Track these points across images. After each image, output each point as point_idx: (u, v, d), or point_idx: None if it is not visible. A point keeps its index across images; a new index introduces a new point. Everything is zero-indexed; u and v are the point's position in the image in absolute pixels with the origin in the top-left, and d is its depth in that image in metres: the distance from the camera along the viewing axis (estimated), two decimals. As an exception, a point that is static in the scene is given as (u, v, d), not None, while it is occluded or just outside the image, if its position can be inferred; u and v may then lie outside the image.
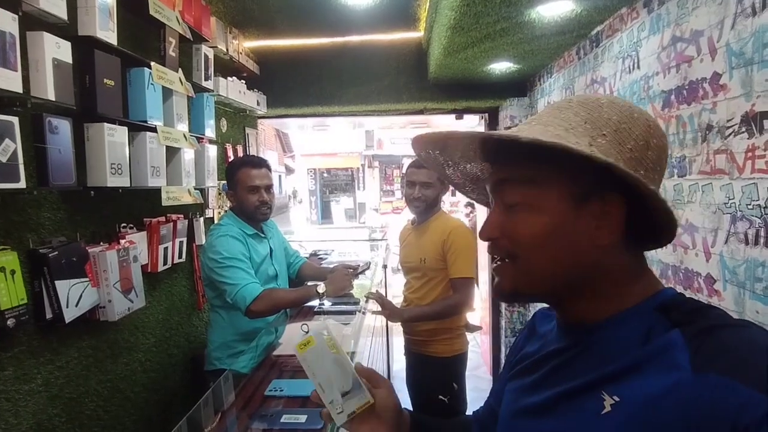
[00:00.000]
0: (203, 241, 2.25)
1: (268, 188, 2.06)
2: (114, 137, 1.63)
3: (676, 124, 1.50)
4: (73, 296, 1.50)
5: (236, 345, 2.02)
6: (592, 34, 2.21)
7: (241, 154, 3.06)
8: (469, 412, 1.05)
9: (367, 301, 2.20)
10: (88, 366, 1.68)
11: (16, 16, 1.23)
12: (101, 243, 1.70)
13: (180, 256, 2.20)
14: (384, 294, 2.71)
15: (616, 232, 0.55)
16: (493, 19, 1.95)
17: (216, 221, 2.49)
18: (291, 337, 2.13)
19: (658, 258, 1.62)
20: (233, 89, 2.70)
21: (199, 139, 2.29)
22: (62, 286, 1.45)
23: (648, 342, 0.51)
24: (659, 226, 0.55)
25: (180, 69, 2.06)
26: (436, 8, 2.26)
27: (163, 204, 1.92)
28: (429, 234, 2.21)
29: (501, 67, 2.83)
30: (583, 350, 0.58)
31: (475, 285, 2.34)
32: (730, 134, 1.25)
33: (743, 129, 1.20)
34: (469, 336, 2.44)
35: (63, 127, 1.45)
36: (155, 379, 2.09)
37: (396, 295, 3.18)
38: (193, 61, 2.27)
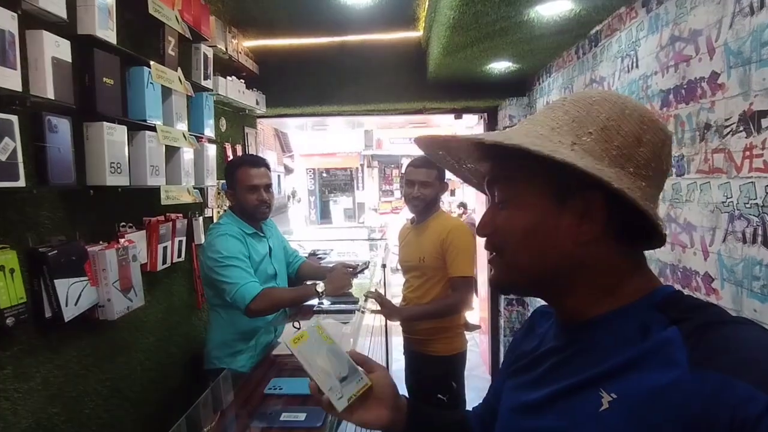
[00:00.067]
0: (202, 241, 2.25)
1: (268, 187, 2.06)
2: (113, 136, 1.63)
3: (674, 124, 1.50)
4: (72, 295, 1.50)
5: (235, 344, 2.02)
6: (591, 33, 2.21)
7: (240, 153, 3.06)
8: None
9: (366, 300, 2.20)
10: (87, 365, 1.68)
11: (16, 15, 1.23)
12: (100, 242, 1.70)
13: (179, 256, 2.20)
14: (383, 293, 2.71)
15: (598, 229, 0.55)
16: (492, 18, 1.95)
17: (215, 220, 2.49)
18: (290, 336, 2.13)
19: (656, 257, 1.62)
20: (232, 88, 2.71)
21: (199, 139, 2.29)
22: (61, 285, 1.45)
23: (646, 339, 0.51)
24: (649, 224, 0.54)
25: (179, 68, 2.06)
26: (436, 7, 2.26)
27: (162, 203, 1.92)
28: (428, 233, 2.21)
29: (500, 66, 2.83)
30: (582, 347, 0.58)
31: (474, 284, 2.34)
32: (728, 133, 1.26)
33: (741, 128, 1.20)
34: (468, 335, 2.44)
35: (62, 125, 1.45)
36: (154, 378, 2.09)
37: (395, 294, 3.18)
38: (192, 60, 2.27)
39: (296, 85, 3.32)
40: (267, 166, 2.09)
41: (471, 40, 2.25)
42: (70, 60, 1.43)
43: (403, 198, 2.38)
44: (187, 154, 2.14)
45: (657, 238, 0.56)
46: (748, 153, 1.18)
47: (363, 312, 2.21)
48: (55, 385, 1.53)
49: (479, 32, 2.13)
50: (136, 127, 1.78)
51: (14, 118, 1.26)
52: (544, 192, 0.57)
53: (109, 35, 1.60)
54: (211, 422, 1.50)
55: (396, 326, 2.71)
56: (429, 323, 2.20)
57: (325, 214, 16.82)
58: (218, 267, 1.88)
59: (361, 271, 2.41)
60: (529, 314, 0.78)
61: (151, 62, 1.83)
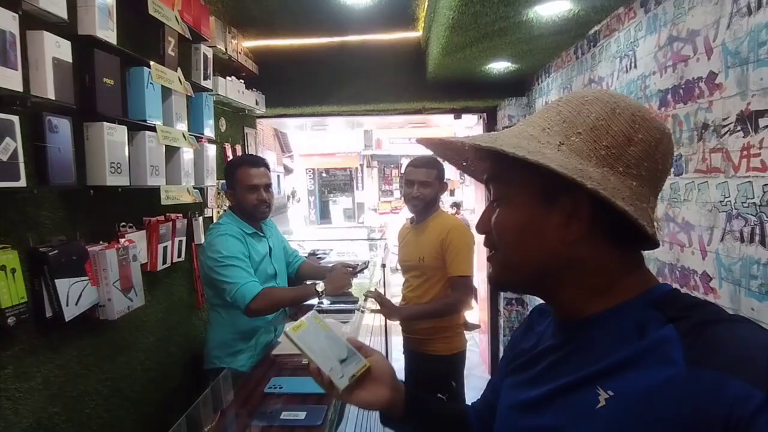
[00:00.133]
0: (202, 240, 2.26)
1: (267, 187, 2.06)
2: (113, 136, 1.63)
3: (672, 123, 1.51)
4: (73, 295, 1.50)
5: (235, 344, 2.03)
6: (590, 33, 2.22)
7: (240, 153, 3.06)
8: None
9: (365, 300, 2.21)
10: (88, 364, 1.68)
11: (17, 15, 1.24)
12: (101, 242, 1.70)
13: (179, 255, 2.20)
14: (383, 293, 2.71)
15: (584, 228, 0.55)
16: (491, 18, 1.96)
17: (215, 220, 2.49)
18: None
19: (654, 256, 1.63)
20: (232, 89, 2.71)
21: (198, 139, 2.29)
22: (62, 284, 1.45)
23: (642, 337, 0.51)
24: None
25: (179, 68, 2.06)
26: (435, 8, 2.27)
27: (162, 203, 1.92)
28: (428, 233, 2.21)
29: (499, 66, 2.84)
30: (579, 345, 0.58)
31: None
32: (725, 133, 1.26)
33: (739, 128, 1.21)
34: (467, 335, 2.44)
35: (63, 126, 1.46)
36: (154, 377, 2.09)
37: (395, 294, 3.19)
38: (192, 60, 2.27)
39: (296, 85, 3.32)
40: (267, 166, 2.09)
41: (470, 40, 2.25)
42: (70, 60, 1.44)
43: (402, 198, 2.38)
44: (187, 154, 2.14)
45: (649, 238, 0.55)
46: (745, 152, 1.19)
47: (363, 311, 2.22)
48: (55, 385, 1.53)
49: (478, 32, 2.14)
50: (136, 127, 1.79)
51: (15, 119, 1.27)
52: (534, 192, 0.58)
53: (110, 35, 1.61)
54: (212, 421, 1.50)
55: (396, 326, 2.71)
56: (428, 323, 2.20)
57: (324, 214, 16.83)
58: (218, 267, 1.89)
59: (361, 270, 2.42)
60: (528, 313, 0.79)
61: (151, 62, 1.84)
